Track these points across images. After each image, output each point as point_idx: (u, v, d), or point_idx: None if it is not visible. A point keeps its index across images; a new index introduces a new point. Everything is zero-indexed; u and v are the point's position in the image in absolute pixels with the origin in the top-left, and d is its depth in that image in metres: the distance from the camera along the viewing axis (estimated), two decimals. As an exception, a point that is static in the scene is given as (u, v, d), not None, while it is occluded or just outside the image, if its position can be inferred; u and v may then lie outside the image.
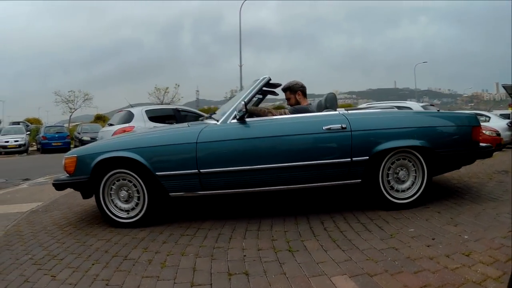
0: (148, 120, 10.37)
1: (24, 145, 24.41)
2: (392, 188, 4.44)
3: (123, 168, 4.25)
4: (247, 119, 4.33)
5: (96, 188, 4.34)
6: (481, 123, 13.77)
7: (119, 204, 4.37)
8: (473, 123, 4.67)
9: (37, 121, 55.81)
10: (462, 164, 4.99)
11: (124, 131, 9.46)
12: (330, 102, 4.79)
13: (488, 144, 4.97)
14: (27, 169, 15.18)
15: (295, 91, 4.95)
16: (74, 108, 38.53)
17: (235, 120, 4.28)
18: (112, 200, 4.38)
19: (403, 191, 4.48)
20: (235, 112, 4.26)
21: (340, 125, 4.23)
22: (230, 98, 41.16)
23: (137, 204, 4.32)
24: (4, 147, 23.84)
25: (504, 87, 18.36)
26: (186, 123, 4.97)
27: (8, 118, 59.22)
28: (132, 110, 11.09)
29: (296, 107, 4.84)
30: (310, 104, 5.04)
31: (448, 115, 4.93)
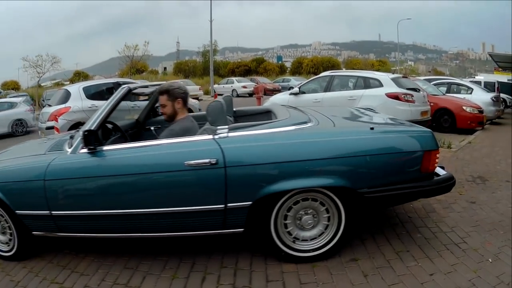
0: (86, 98, 9.89)
1: None
2: (290, 234, 3.51)
3: None
4: (105, 147, 3.60)
5: None
6: (463, 96, 13.15)
7: None
8: (427, 146, 3.44)
9: (14, 84, 56.86)
10: (401, 203, 4.23)
11: (60, 113, 9.37)
12: (212, 115, 3.61)
13: (448, 175, 3.71)
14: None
15: (174, 97, 4.00)
16: (42, 73, 39.56)
17: (85, 150, 3.58)
18: None
19: (311, 239, 3.53)
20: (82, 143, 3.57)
21: (208, 160, 3.26)
22: (202, 53, 42.80)
23: (10, 239, 3.98)
24: None
25: (491, 55, 17.42)
26: (47, 146, 4.20)
27: (-15, 82, 60.45)
28: (69, 88, 10.67)
29: (175, 129, 3.86)
30: (189, 116, 4.10)
31: (389, 135, 3.60)
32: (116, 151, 3.58)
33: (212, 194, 3.35)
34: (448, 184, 3.58)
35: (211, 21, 33.26)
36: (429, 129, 3.59)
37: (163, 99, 4.03)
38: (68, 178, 3.58)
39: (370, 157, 3.32)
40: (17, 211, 3.74)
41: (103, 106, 3.85)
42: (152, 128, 4.91)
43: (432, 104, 10.54)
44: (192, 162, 3.27)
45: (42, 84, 41.95)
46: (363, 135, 3.47)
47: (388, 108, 8.81)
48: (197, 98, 26.50)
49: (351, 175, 3.30)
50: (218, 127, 3.48)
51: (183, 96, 4.03)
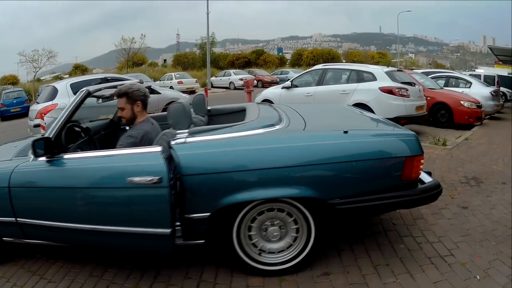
0: (73, 95, 9.40)
1: None
2: (255, 246, 3.21)
3: None
4: (66, 156, 3.36)
5: None
6: (462, 91, 12.76)
7: None
8: (409, 151, 3.06)
9: (13, 78, 55.70)
10: (378, 214, 3.96)
11: (46, 111, 9.02)
12: (173, 118, 3.38)
13: (434, 183, 3.30)
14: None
15: (134, 100, 3.76)
16: (38, 67, 39.93)
17: (43, 158, 3.36)
18: None
19: (279, 251, 3.23)
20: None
21: (150, 178, 2.88)
22: (200, 45, 42.59)
23: None
24: None
25: (491, 48, 17.04)
26: (15, 152, 3.99)
27: (-14, 77, 60.21)
28: (56, 85, 10.26)
29: (133, 134, 3.63)
30: (148, 118, 3.85)
31: (364, 139, 3.16)
32: (70, 160, 3.34)
33: (156, 216, 2.98)
34: (433, 193, 3.20)
35: (207, 14, 33.11)
36: (413, 132, 3.20)
37: (121, 102, 3.77)
38: (27, 187, 3.41)
39: (341, 164, 2.98)
40: None
41: (63, 111, 3.62)
42: (127, 128, 4.58)
43: (429, 98, 10.18)
44: (134, 179, 2.94)
45: (41, 78, 42.13)
46: (334, 139, 3.09)
47: (381, 102, 8.55)
48: (193, 91, 26.20)
49: (319, 185, 2.96)
50: (178, 132, 3.19)
51: (143, 98, 3.78)
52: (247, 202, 3.00)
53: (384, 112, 8.47)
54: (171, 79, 30.27)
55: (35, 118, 9.23)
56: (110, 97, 4.36)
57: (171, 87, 26.26)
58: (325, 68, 10.32)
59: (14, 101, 24.92)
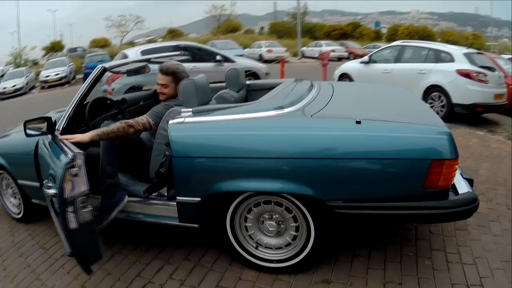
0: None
1: (65, 77, 24.35)
2: (252, 238, 2.90)
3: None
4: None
5: None
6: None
7: (12, 200, 4.33)
8: (438, 153, 2.35)
9: (104, 41, 57.34)
10: (390, 225, 3.42)
11: (115, 77, 8.79)
12: (183, 94, 3.11)
13: (470, 196, 2.50)
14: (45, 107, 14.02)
15: (179, 80, 3.49)
16: (126, 32, 41.99)
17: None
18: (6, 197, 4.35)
19: (276, 248, 2.85)
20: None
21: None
22: (291, 14, 41.61)
23: (20, 203, 4.16)
24: (45, 81, 24.07)
25: None
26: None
27: (79, 39, 63.21)
28: (127, 51, 10.18)
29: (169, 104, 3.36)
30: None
31: (379, 133, 2.47)
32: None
33: None
34: (464, 209, 2.45)
35: None
36: (447, 130, 2.43)
37: (167, 79, 3.55)
38: (43, 157, 3.33)
39: (346, 160, 2.39)
40: (18, 180, 3.85)
41: (80, 88, 3.49)
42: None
43: (511, 86, 8.83)
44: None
45: (135, 41, 43.00)
46: (341, 130, 2.49)
47: (457, 86, 7.65)
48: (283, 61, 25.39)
49: (318, 182, 2.45)
50: (182, 110, 2.87)
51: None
52: (237, 192, 2.66)
53: (460, 97, 7.63)
54: (261, 47, 29.41)
55: (105, 84, 9.24)
56: (126, 73, 4.35)
57: (260, 56, 25.70)
58: (403, 45, 9.46)
59: (98, 64, 25.20)
